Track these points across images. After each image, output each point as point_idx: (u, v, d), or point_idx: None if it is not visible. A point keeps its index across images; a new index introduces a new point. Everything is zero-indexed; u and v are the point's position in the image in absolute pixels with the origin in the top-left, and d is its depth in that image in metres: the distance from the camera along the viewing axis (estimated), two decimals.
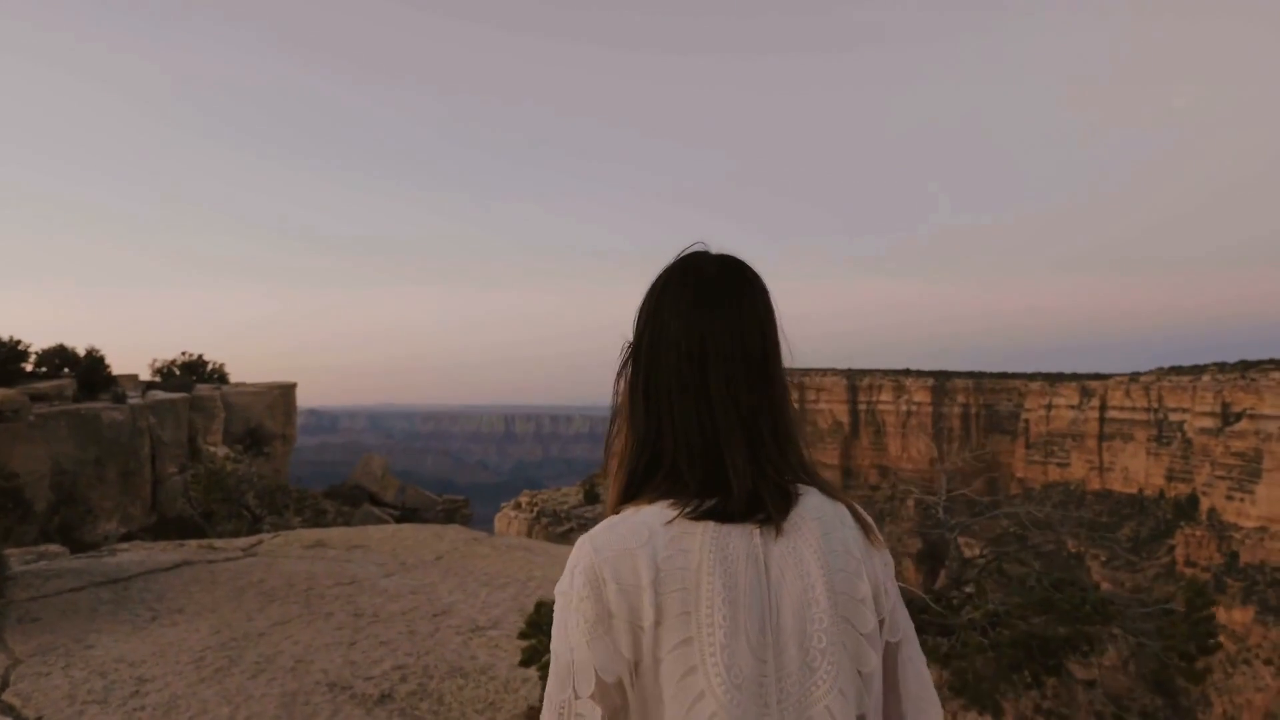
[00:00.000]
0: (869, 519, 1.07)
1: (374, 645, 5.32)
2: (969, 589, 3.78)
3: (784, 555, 0.97)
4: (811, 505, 1.02)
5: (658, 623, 0.92)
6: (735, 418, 1.00)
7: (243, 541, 8.21)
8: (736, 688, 0.91)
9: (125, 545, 8.17)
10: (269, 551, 7.82)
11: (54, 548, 8.12)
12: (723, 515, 0.97)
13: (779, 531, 0.98)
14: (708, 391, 1.01)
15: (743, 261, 1.09)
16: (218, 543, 8.18)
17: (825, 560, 0.98)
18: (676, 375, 1.02)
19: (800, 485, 1.04)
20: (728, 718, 0.90)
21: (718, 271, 1.06)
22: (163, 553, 7.75)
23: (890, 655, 1.05)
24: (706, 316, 1.02)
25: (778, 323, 1.08)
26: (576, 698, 0.92)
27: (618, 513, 1.01)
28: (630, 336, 1.08)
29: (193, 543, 8.21)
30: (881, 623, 1.03)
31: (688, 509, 0.97)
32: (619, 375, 1.08)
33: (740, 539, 0.96)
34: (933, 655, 3.65)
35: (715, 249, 1.09)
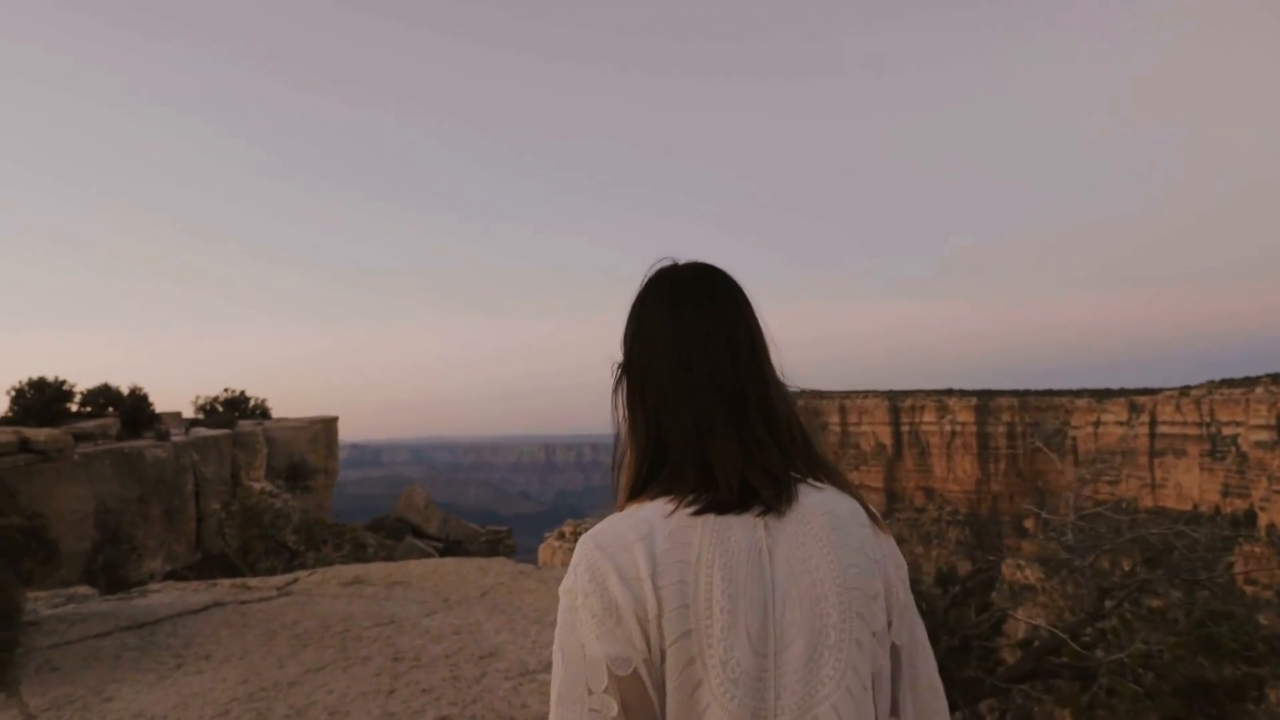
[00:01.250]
0: (877, 513, 1.06)
1: (415, 694, 4.82)
2: (1105, 624, 3.20)
3: (790, 549, 0.96)
4: (821, 499, 1.01)
5: (659, 614, 0.91)
6: (723, 411, 1.00)
7: (278, 580, 7.79)
8: (733, 682, 0.89)
9: (157, 586, 7.80)
10: (305, 590, 7.38)
11: (84, 589, 7.78)
12: (719, 507, 0.96)
13: (780, 517, 0.97)
14: (696, 389, 1.01)
15: (713, 265, 1.11)
16: (252, 581, 7.77)
17: (836, 555, 0.96)
18: (669, 379, 1.03)
19: (810, 480, 1.03)
20: (723, 712, 0.89)
21: (692, 276, 1.09)
22: (194, 593, 7.36)
23: (897, 658, 1.02)
24: (688, 319, 1.04)
25: (760, 319, 1.09)
26: (590, 693, 0.90)
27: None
28: (619, 357, 1.10)
29: (226, 582, 7.81)
30: (890, 622, 1.00)
31: (686, 503, 0.97)
32: (615, 395, 1.09)
33: (742, 531, 0.95)
34: (1069, 703, 3.07)
35: (685, 259, 1.12)
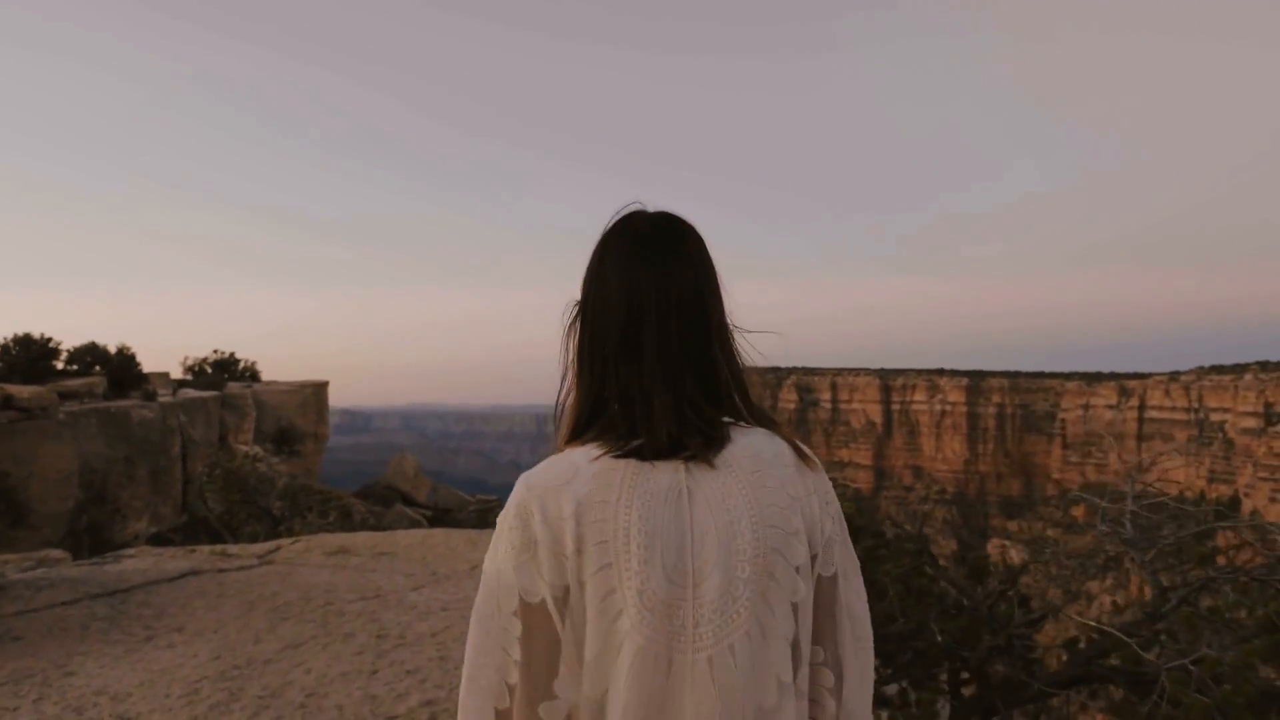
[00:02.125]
0: (809, 452, 1.09)
1: (399, 674, 4.52)
2: (1161, 625, 2.89)
3: (710, 491, 1.01)
4: (748, 443, 1.05)
5: (579, 550, 0.98)
6: (661, 367, 1.04)
7: (259, 548, 7.47)
8: (649, 610, 0.96)
9: (132, 551, 7.47)
10: (287, 559, 7.07)
11: (55, 553, 7.46)
12: (643, 454, 1.02)
13: (707, 467, 1.02)
14: (641, 342, 1.05)
15: (677, 217, 1.13)
16: (232, 549, 7.45)
17: (755, 495, 1.02)
18: (617, 328, 1.06)
19: (740, 427, 1.07)
20: (639, 637, 0.95)
21: (652, 229, 1.11)
22: (170, 560, 7.04)
23: (827, 588, 1.06)
24: (642, 272, 1.07)
25: (716, 275, 1.12)
26: (500, 612, 1.01)
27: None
28: (578, 297, 1.13)
29: (205, 549, 7.49)
30: (815, 556, 1.05)
31: (614, 449, 1.03)
32: (567, 334, 1.12)
33: (663, 475, 1.01)
34: (1125, 714, 2.77)
35: (652, 208, 1.14)
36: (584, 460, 1.03)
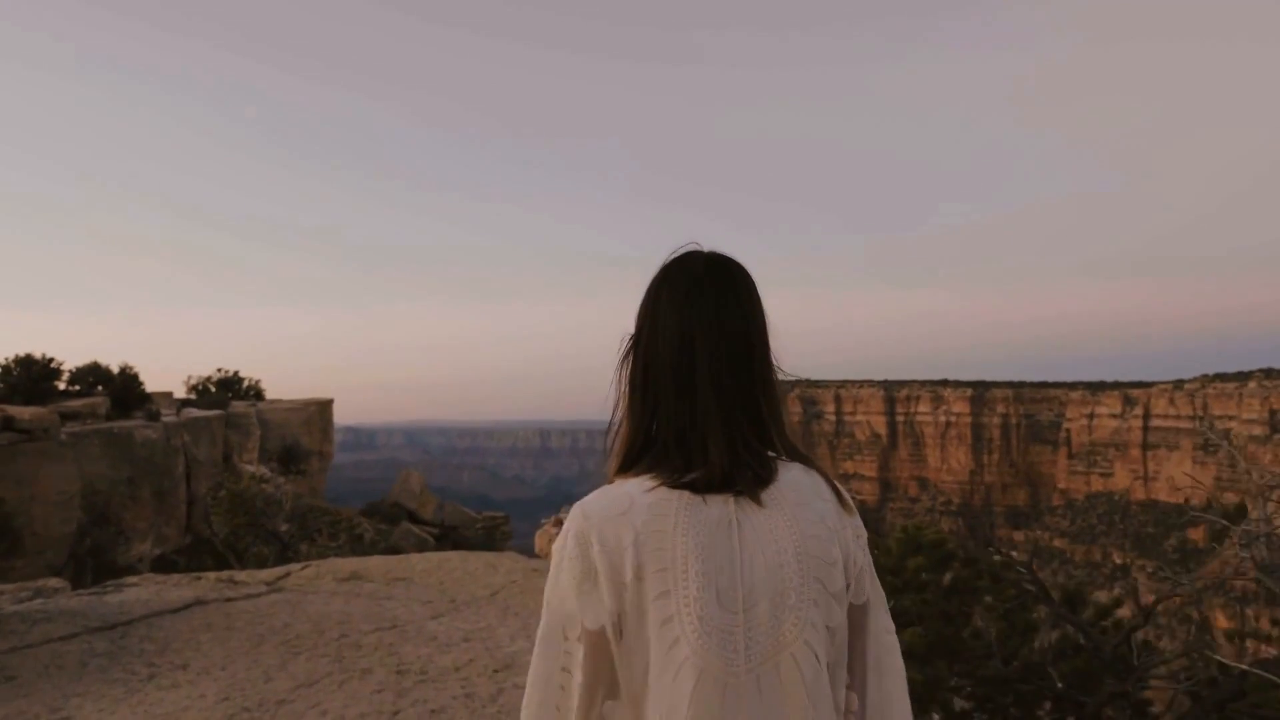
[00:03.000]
0: (844, 491, 1.17)
1: (422, 715, 4.16)
2: None
3: (758, 523, 1.08)
4: (789, 479, 1.13)
5: (638, 578, 1.04)
6: (716, 404, 1.11)
7: (267, 574, 7.11)
8: (707, 635, 1.02)
9: (134, 579, 7.10)
10: (297, 586, 6.71)
11: (54, 582, 7.09)
12: (697, 487, 1.08)
13: (754, 502, 1.09)
14: (694, 380, 1.11)
15: (731, 259, 1.20)
16: (239, 575, 7.09)
17: (799, 528, 1.09)
18: (670, 365, 1.13)
19: (781, 462, 1.14)
20: (698, 661, 1.01)
21: (706, 269, 1.17)
22: (175, 588, 6.68)
23: (858, 616, 1.15)
24: (696, 311, 1.13)
25: (764, 316, 1.18)
26: (565, 639, 1.07)
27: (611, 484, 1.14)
28: (631, 330, 1.19)
29: (211, 575, 7.13)
30: (848, 586, 1.12)
31: (668, 481, 1.08)
32: (620, 365, 1.18)
33: (714, 507, 1.07)
34: None
35: (708, 248, 1.20)
36: (639, 491, 1.08)
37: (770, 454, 1.14)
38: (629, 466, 1.14)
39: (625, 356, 1.18)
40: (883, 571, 2.95)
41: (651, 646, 1.03)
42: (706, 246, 1.21)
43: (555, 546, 1.12)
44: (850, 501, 1.17)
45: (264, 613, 5.79)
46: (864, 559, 1.16)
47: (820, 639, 1.06)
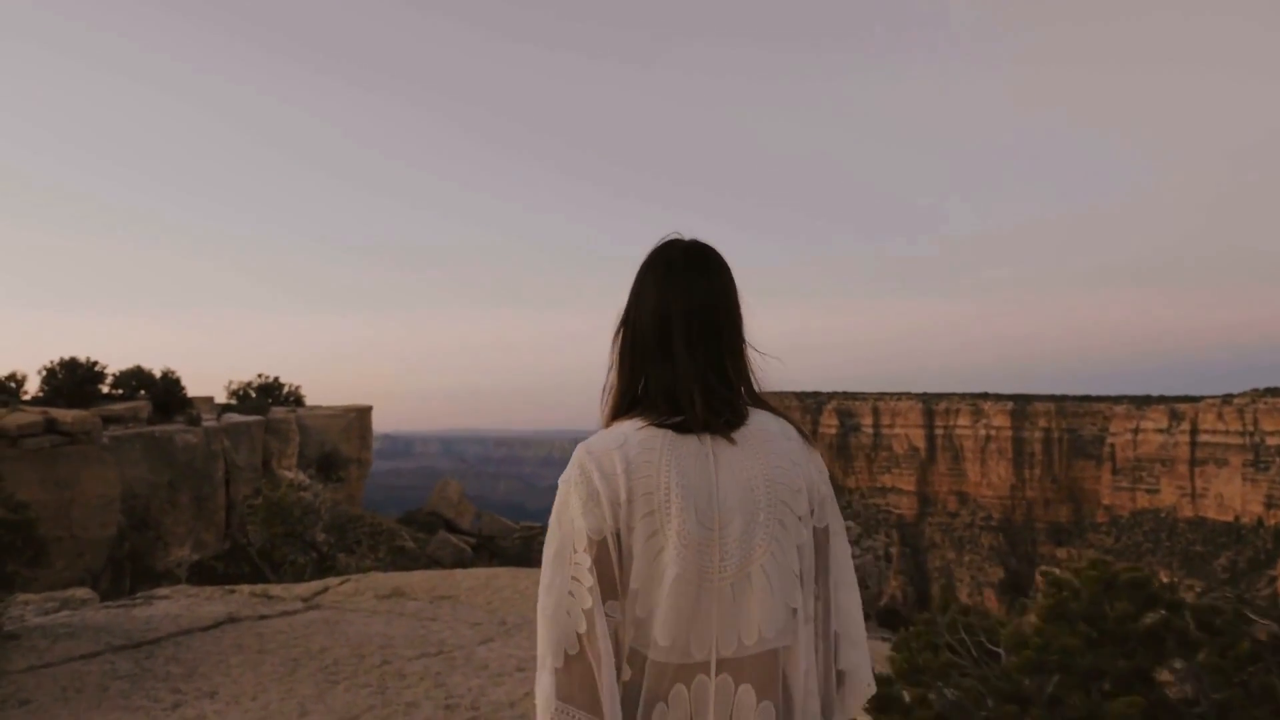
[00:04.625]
0: (807, 434, 1.40)
1: None
2: None
3: (730, 456, 1.30)
4: (759, 422, 1.35)
5: (630, 500, 1.25)
6: (690, 366, 1.33)
7: (304, 588, 6.66)
8: (685, 546, 1.23)
9: (165, 591, 6.70)
10: (335, 603, 6.26)
11: (81, 592, 6.72)
12: (679, 428, 1.30)
13: (727, 440, 1.30)
14: (671, 348, 1.34)
15: (707, 245, 1.44)
16: (274, 589, 6.66)
17: (767, 460, 1.31)
18: (652, 336, 1.36)
19: (753, 410, 1.37)
20: (676, 567, 1.22)
21: (683, 255, 1.41)
22: (207, 602, 6.26)
23: (820, 538, 1.37)
24: (672, 290, 1.37)
25: (735, 294, 1.42)
26: (575, 552, 1.25)
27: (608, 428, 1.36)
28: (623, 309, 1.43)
29: (245, 588, 6.70)
30: (812, 510, 1.34)
31: (654, 422, 1.31)
32: (614, 338, 1.42)
33: (694, 443, 1.29)
34: None
35: (689, 237, 1.45)
36: (631, 430, 1.31)
37: (742, 403, 1.35)
38: (619, 415, 1.36)
39: (617, 331, 1.41)
40: (1073, 618, 2.41)
41: (638, 556, 1.23)
42: (687, 236, 1.44)
43: (562, 478, 1.31)
44: (815, 445, 1.39)
45: (300, 633, 5.33)
46: (825, 490, 1.38)
47: (787, 554, 1.28)
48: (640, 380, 1.36)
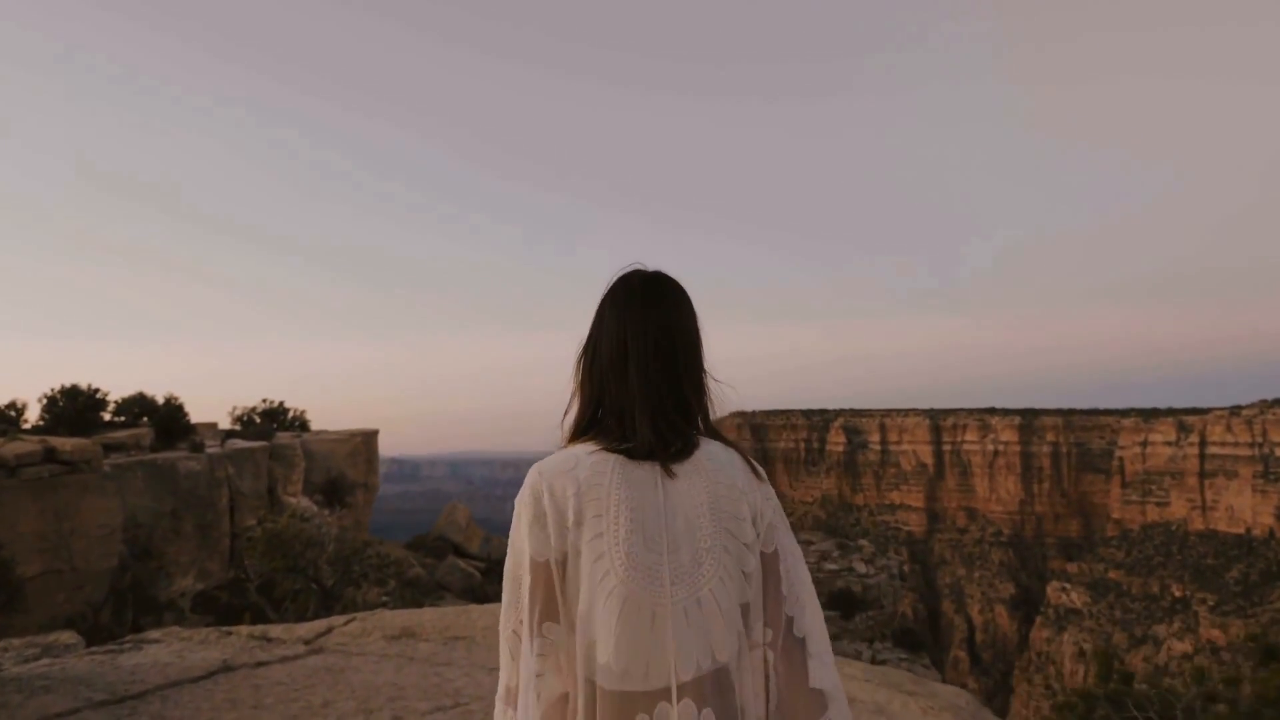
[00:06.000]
0: (756, 464, 1.45)
1: None
2: None
3: (679, 483, 1.35)
4: (707, 452, 1.40)
5: (579, 523, 1.30)
6: (643, 391, 1.38)
7: (306, 629, 6.14)
8: (633, 569, 1.28)
9: (156, 634, 6.18)
10: (340, 646, 5.73)
11: (65, 637, 6.21)
12: (630, 454, 1.35)
13: (674, 469, 1.36)
14: (628, 376, 1.40)
15: (666, 275, 1.50)
16: (274, 630, 6.14)
17: (712, 489, 1.36)
18: (609, 364, 1.42)
19: (703, 438, 1.42)
20: (623, 590, 1.27)
21: (642, 284, 1.47)
22: (200, 646, 5.74)
23: (770, 563, 1.40)
24: (630, 316, 1.43)
25: (694, 322, 1.48)
26: (521, 569, 1.34)
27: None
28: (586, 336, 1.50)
29: (242, 630, 6.18)
30: (758, 535, 1.38)
31: (606, 447, 1.36)
32: (577, 361, 1.47)
33: (643, 469, 1.35)
34: None
35: (651, 268, 1.52)
36: (584, 453, 1.37)
37: (693, 431, 1.42)
38: (577, 437, 1.43)
39: (580, 355, 1.48)
40: (1219, 682, 1.89)
41: (585, 578, 1.29)
42: (650, 267, 1.52)
43: (517, 499, 1.39)
44: (762, 473, 1.45)
45: (300, 684, 4.80)
46: (773, 516, 1.42)
47: (733, 580, 1.34)
48: (597, 404, 1.42)
